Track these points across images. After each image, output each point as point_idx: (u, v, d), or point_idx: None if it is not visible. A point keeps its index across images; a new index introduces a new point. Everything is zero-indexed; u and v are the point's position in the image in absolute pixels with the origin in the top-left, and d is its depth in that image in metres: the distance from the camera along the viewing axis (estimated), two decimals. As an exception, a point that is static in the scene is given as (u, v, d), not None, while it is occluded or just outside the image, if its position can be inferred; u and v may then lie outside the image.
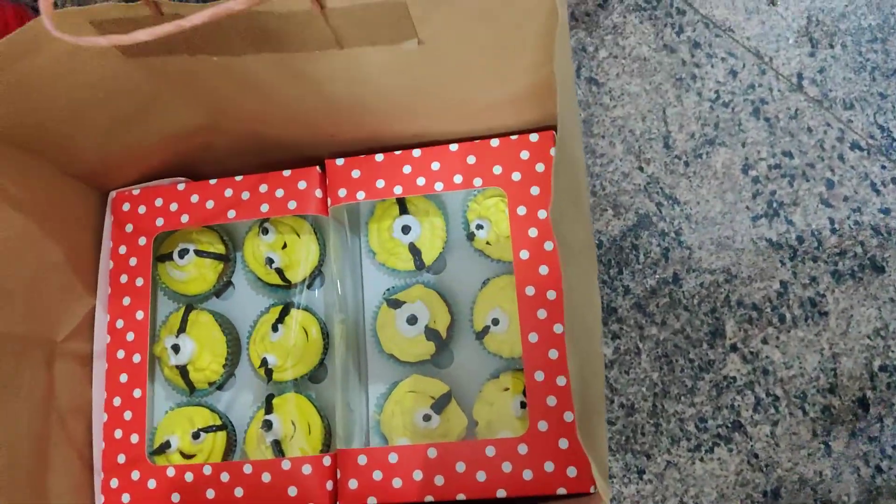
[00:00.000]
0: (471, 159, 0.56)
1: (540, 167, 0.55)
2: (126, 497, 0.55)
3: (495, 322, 0.57)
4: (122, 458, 0.55)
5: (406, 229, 0.60)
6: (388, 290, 0.61)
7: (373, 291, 0.62)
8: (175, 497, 0.54)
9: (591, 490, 0.49)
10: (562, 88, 0.37)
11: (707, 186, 0.61)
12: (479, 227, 0.59)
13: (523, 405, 0.55)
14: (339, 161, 0.58)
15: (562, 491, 0.49)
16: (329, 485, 0.52)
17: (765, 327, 0.58)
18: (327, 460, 0.52)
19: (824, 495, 0.55)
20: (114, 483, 0.55)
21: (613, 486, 0.58)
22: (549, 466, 0.49)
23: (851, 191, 0.60)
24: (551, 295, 0.52)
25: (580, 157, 0.43)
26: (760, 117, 0.62)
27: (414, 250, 0.60)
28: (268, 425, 0.56)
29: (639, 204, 0.62)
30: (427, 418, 0.56)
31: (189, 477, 0.54)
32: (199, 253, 0.60)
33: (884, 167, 0.59)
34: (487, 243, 0.59)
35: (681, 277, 0.60)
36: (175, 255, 0.60)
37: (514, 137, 0.56)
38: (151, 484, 0.54)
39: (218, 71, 0.48)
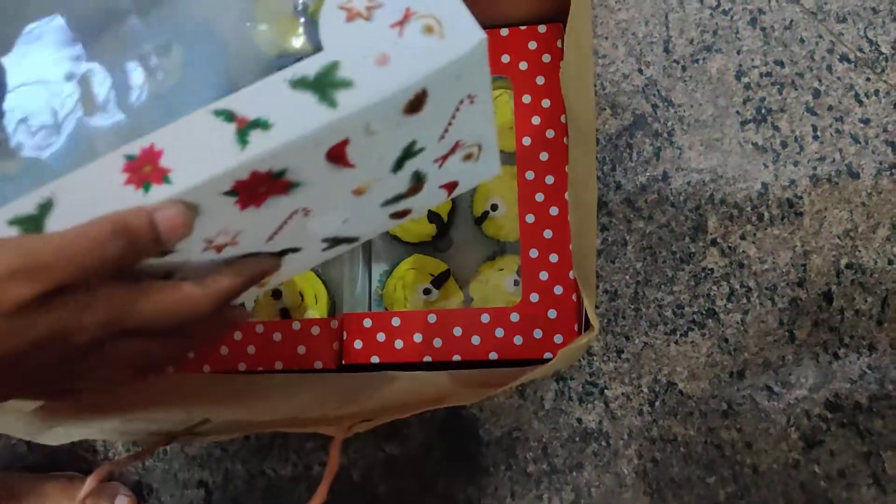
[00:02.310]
0: (480, 48, 0.58)
1: (546, 58, 0.57)
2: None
3: (494, 208, 0.61)
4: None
5: (413, 116, 0.63)
6: (393, 175, 0.64)
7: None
8: (190, 353, 0.58)
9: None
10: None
11: (701, 91, 0.64)
12: (483, 117, 0.62)
13: (516, 283, 0.59)
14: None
15: (548, 356, 0.53)
16: (335, 345, 0.56)
17: (744, 224, 0.62)
18: (334, 323, 0.56)
19: (784, 378, 0.60)
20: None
21: (594, 363, 0.63)
22: (537, 333, 0.54)
23: (836, 101, 0.63)
24: (549, 180, 0.56)
25: (588, 44, 0.45)
26: (757, 26, 0.65)
27: (419, 137, 0.62)
28: (277, 294, 0.60)
29: (636, 105, 0.65)
30: (427, 292, 0.60)
31: (203, 334, 0.58)
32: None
33: (868, 79, 0.63)
34: (490, 134, 0.62)
35: (670, 176, 0.64)
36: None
37: (522, 28, 0.58)
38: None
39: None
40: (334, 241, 0.40)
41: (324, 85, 0.30)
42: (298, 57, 0.31)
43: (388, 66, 0.30)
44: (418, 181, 0.37)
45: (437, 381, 0.48)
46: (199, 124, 0.30)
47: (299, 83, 0.30)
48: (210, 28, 0.36)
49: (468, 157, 0.38)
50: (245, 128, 0.30)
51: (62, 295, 0.26)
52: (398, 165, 0.34)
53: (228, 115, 0.30)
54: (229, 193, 0.30)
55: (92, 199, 0.28)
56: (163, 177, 0.29)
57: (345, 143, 0.31)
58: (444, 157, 0.36)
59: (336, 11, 0.31)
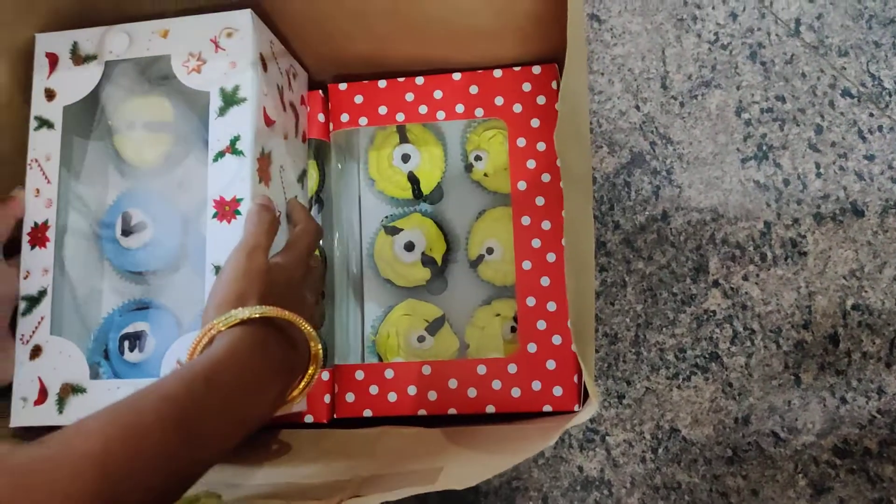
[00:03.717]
0: (473, 89, 0.57)
1: (541, 100, 0.56)
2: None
3: (489, 251, 0.59)
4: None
5: (406, 158, 0.61)
6: (387, 217, 0.62)
7: (371, 218, 0.63)
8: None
9: (575, 409, 0.51)
10: (573, 16, 0.38)
11: (700, 127, 0.63)
12: (478, 158, 0.61)
13: (513, 329, 0.57)
14: (343, 86, 0.59)
15: (547, 408, 0.52)
16: (327, 398, 0.54)
17: (746, 265, 0.61)
18: (325, 375, 0.54)
19: (791, 423, 0.59)
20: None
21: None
22: (536, 385, 0.52)
23: (839, 137, 0.61)
24: (546, 225, 0.54)
25: (584, 90, 0.44)
26: (757, 61, 0.63)
27: (413, 179, 0.61)
28: (266, 341, 0.58)
29: (633, 142, 0.63)
30: (421, 339, 0.58)
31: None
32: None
33: (872, 115, 0.61)
34: (485, 175, 0.60)
35: (669, 215, 0.62)
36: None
37: (517, 69, 0.56)
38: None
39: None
40: None
41: None
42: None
43: None
44: None
45: (432, 440, 0.46)
46: None
47: None
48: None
49: None
50: None
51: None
52: None
53: None
54: None
55: None
56: None
57: None
58: None
59: None
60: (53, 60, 0.51)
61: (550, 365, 0.52)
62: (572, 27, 0.38)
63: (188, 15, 0.50)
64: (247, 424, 0.37)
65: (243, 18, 0.49)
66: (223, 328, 0.39)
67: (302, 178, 0.57)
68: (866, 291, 0.59)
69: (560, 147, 0.37)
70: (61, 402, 0.46)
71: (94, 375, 0.48)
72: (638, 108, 0.64)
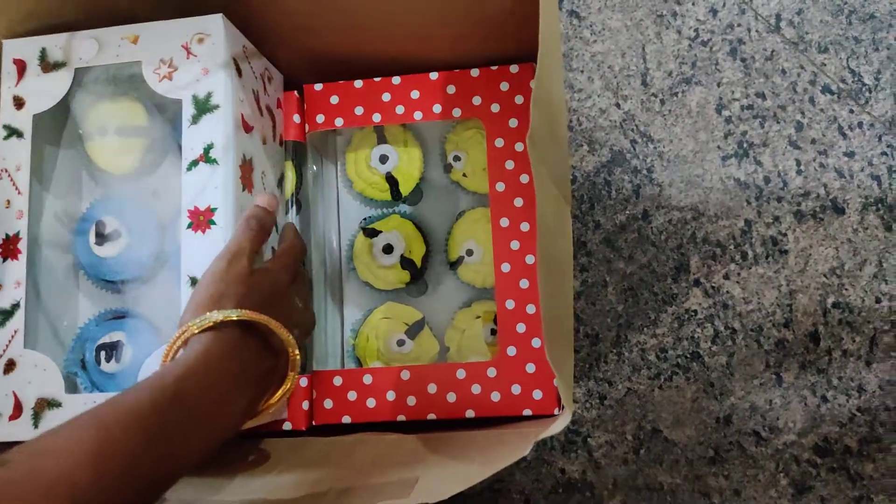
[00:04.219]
0: (450, 89, 0.56)
1: (519, 99, 0.55)
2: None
3: (469, 253, 0.59)
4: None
5: (384, 159, 0.60)
6: (365, 219, 0.62)
7: (349, 220, 0.62)
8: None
9: (555, 412, 0.51)
10: (545, 16, 0.37)
11: (681, 125, 0.62)
12: (457, 158, 0.60)
13: (493, 332, 0.57)
14: (318, 86, 0.58)
15: (527, 412, 0.51)
16: (305, 404, 0.54)
17: (727, 264, 0.60)
18: (304, 381, 0.54)
19: (772, 422, 0.59)
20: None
21: (576, 411, 0.61)
22: (516, 389, 0.52)
23: (819, 133, 0.61)
24: (525, 227, 0.54)
25: (560, 90, 0.43)
26: (737, 57, 0.63)
27: (391, 180, 0.60)
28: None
29: (613, 140, 0.63)
30: (401, 343, 0.58)
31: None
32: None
33: (852, 111, 0.61)
34: (464, 175, 0.60)
35: (650, 214, 0.62)
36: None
37: (494, 68, 0.56)
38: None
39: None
40: None
41: None
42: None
43: None
44: None
45: (410, 449, 0.46)
46: None
47: None
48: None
49: None
50: None
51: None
52: None
53: None
54: None
55: None
56: None
57: None
58: None
59: None
60: (21, 67, 0.50)
61: (530, 368, 0.52)
62: (545, 24, 0.38)
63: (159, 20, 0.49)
64: (217, 435, 0.37)
65: (214, 24, 0.48)
66: (197, 331, 0.39)
67: (281, 181, 0.56)
68: (847, 289, 0.59)
69: (533, 153, 0.37)
70: (37, 416, 0.46)
71: (71, 388, 0.48)
72: (618, 105, 0.63)
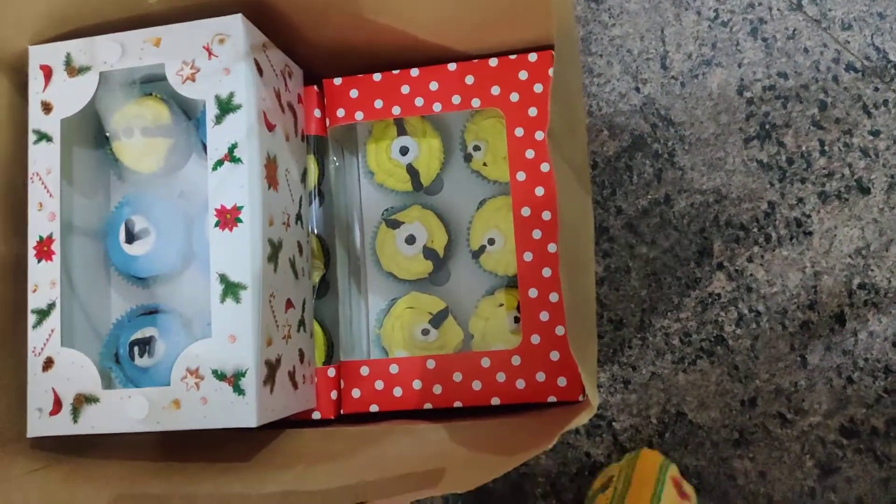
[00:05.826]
0: (469, 79, 0.56)
1: (538, 88, 0.55)
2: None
3: (491, 242, 0.59)
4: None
5: (404, 150, 0.61)
6: (387, 210, 0.62)
7: (371, 211, 0.63)
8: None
9: (580, 398, 0.52)
10: (559, 3, 0.37)
11: (702, 108, 0.62)
12: (477, 147, 0.60)
13: (517, 320, 0.58)
14: (337, 81, 0.58)
15: (552, 399, 0.52)
16: (334, 394, 0.55)
17: (751, 246, 0.60)
18: (332, 371, 0.55)
19: (797, 404, 0.59)
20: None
21: (600, 396, 0.61)
22: (540, 376, 0.52)
23: (843, 113, 0.60)
24: (546, 216, 0.54)
25: (578, 78, 0.43)
26: (758, 37, 0.62)
27: (412, 171, 0.61)
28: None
29: (634, 125, 0.63)
30: (425, 332, 0.59)
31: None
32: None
33: (877, 89, 0.60)
34: (484, 164, 0.60)
35: (672, 198, 0.62)
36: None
37: (512, 57, 0.56)
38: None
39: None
40: None
41: None
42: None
43: None
44: None
45: (437, 439, 0.47)
46: None
47: None
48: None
49: None
50: None
51: None
52: None
53: None
54: None
55: None
56: None
57: None
58: None
59: None
60: (48, 73, 0.51)
61: (554, 356, 0.53)
62: (559, 15, 0.37)
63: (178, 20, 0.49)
64: None
65: (234, 24, 0.48)
66: None
67: (304, 176, 0.57)
68: (872, 270, 0.59)
69: (553, 151, 0.37)
70: (76, 411, 0.48)
71: (107, 384, 0.49)
72: (638, 89, 0.63)
